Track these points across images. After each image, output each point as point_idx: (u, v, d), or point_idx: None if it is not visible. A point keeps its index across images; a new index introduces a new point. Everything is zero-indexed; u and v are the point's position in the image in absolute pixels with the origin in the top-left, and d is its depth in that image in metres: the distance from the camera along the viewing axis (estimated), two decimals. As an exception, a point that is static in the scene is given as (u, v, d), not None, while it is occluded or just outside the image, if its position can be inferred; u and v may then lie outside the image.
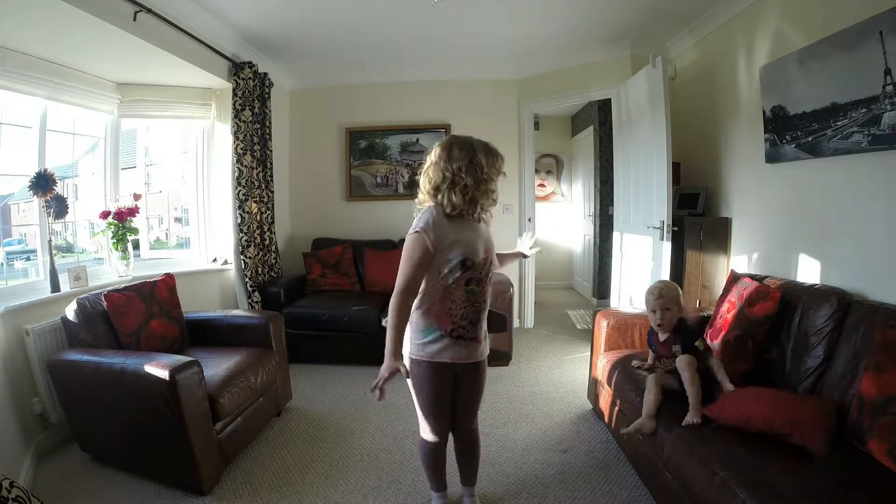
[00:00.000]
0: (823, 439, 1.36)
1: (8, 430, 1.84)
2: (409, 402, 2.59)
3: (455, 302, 1.40)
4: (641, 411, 1.73)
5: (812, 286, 1.94)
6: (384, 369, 1.33)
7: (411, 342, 1.46)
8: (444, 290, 1.39)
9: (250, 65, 3.21)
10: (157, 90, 3.07)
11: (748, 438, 1.44)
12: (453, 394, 1.51)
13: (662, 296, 1.85)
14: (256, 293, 3.32)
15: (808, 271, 2.15)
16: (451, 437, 1.63)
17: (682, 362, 1.72)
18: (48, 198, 2.28)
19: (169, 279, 2.43)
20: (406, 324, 1.40)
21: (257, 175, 3.38)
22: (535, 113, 4.27)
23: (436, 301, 1.41)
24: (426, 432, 1.55)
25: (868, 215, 1.84)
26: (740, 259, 2.69)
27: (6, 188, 2.51)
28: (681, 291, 1.92)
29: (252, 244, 3.33)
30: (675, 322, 1.86)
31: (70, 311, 2.04)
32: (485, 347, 1.52)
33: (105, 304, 2.09)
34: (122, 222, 2.68)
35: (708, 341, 2.18)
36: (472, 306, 1.42)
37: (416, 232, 1.37)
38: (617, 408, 2.07)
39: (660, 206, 2.79)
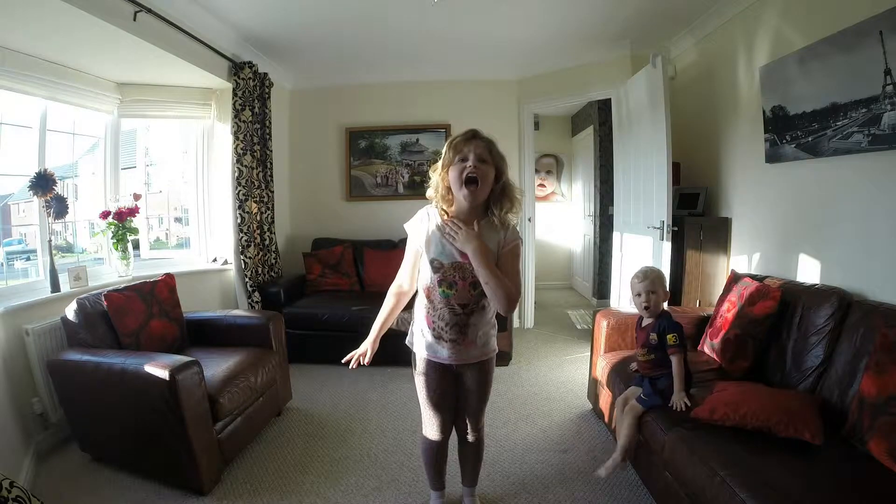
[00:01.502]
0: (819, 428, 1.39)
1: (8, 430, 1.84)
2: (409, 402, 2.62)
3: (433, 302, 1.40)
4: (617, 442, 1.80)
5: (812, 286, 1.94)
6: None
7: (416, 338, 1.50)
8: (427, 290, 1.41)
9: (250, 65, 3.21)
10: (157, 90, 3.07)
11: (747, 437, 1.44)
12: (456, 394, 1.52)
13: (647, 277, 1.83)
14: (256, 293, 3.32)
15: (809, 271, 2.15)
16: (456, 437, 1.63)
17: (674, 366, 1.73)
18: (48, 198, 2.28)
19: (169, 279, 2.43)
20: (387, 312, 1.52)
21: (257, 175, 3.38)
22: (535, 113, 4.27)
23: (423, 300, 1.44)
24: (425, 429, 1.57)
25: (868, 215, 1.84)
26: (740, 259, 2.69)
27: (6, 188, 2.51)
28: (665, 276, 1.89)
29: (252, 244, 3.33)
30: (661, 310, 1.84)
31: (70, 311, 2.03)
32: (478, 351, 1.45)
33: (105, 304, 2.08)
34: (122, 222, 2.67)
35: (709, 339, 2.18)
36: (448, 308, 1.38)
37: (408, 227, 1.46)
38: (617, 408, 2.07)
39: (660, 206, 2.79)
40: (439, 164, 1.38)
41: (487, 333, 1.46)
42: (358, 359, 1.50)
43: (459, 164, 1.31)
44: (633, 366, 2.04)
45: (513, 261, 1.35)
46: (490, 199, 1.36)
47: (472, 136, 1.34)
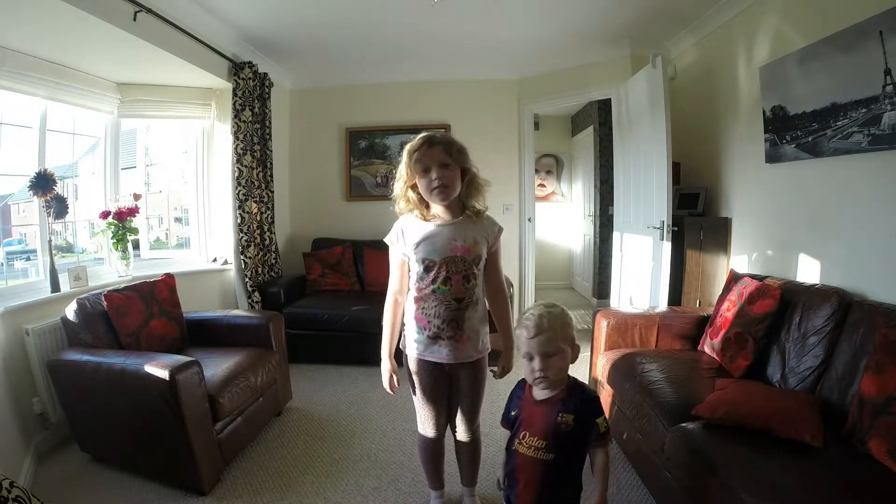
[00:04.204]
0: (819, 430, 1.39)
1: (8, 430, 1.84)
2: (409, 402, 2.60)
3: (427, 301, 1.41)
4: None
5: (812, 286, 1.94)
6: (382, 371, 1.53)
7: (408, 340, 1.51)
8: (419, 292, 1.43)
9: (250, 65, 3.21)
10: (157, 90, 3.07)
11: (747, 437, 1.43)
12: (450, 393, 1.53)
13: (542, 331, 1.09)
14: (256, 293, 3.32)
15: (809, 271, 2.15)
16: (453, 437, 1.63)
17: (600, 463, 1.13)
18: (48, 198, 2.28)
19: (169, 279, 2.43)
20: (391, 325, 1.53)
21: (257, 175, 3.38)
22: (535, 113, 4.26)
23: (416, 303, 1.44)
24: (421, 427, 1.59)
25: (868, 215, 1.84)
26: (740, 259, 2.69)
27: (6, 188, 2.51)
28: (572, 321, 1.16)
29: (252, 244, 3.33)
30: (570, 378, 1.16)
31: (70, 311, 2.03)
32: (474, 349, 1.45)
33: (105, 304, 2.08)
34: (122, 222, 2.67)
35: (709, 339, 2.17)
36: (443, 305, 1.39)
37: (388, 240, 1.48)
38: (616, 407, 2.07)
39: (660, 206, 2.79)
40: (402, 171, 1.38)
41: (480, 329, 1.48)
42: (392, 383, 1.53)
43: (426, 177, 1.34)
44: (502, 478, 1.25)
45: (499, 256, 1.50)
46: (461, 194, 1.41)
47: (429, 143, 1.34)
